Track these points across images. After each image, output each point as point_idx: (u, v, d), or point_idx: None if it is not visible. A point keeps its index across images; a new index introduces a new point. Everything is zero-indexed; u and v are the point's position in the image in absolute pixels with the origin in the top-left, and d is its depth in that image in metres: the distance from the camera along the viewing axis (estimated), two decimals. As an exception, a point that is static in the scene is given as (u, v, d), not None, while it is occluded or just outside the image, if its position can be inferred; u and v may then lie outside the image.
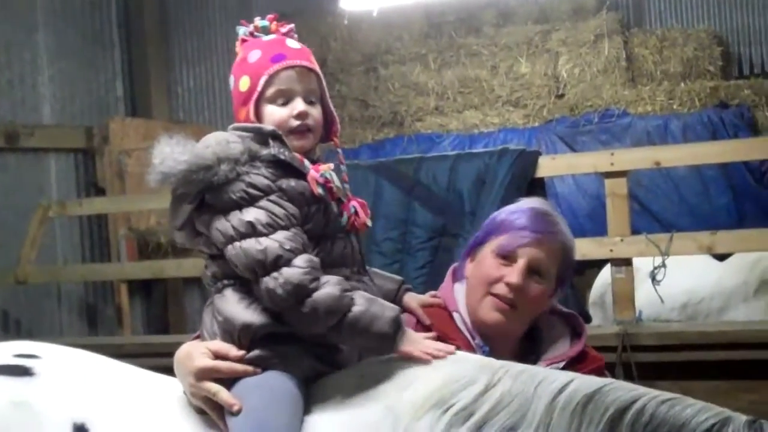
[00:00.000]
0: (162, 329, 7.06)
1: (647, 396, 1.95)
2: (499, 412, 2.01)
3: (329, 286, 2.20)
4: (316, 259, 2.24)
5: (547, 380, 2.05)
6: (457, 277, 2.76)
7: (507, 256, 2.58)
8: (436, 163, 5.28)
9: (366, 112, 8.94)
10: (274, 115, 2.35)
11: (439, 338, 2.54)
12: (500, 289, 2.57)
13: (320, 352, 2.27)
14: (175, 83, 8.35)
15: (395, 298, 2.66)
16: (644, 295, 5.21)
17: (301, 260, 2.20)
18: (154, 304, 7.21)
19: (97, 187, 7.23)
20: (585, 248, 4.59)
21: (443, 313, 2.67)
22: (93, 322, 7.11)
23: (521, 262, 2.56)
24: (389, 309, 2.25)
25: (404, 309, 2.65)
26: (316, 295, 2.18)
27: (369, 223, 2.50)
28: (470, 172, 5.09)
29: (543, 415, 1.97)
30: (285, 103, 2.35)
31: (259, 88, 2.34)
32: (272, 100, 2.35)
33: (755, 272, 5.21)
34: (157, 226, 6.96)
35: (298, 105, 2.35)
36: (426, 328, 2.60)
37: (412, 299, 2.67)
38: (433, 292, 2.76)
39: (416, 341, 2.30)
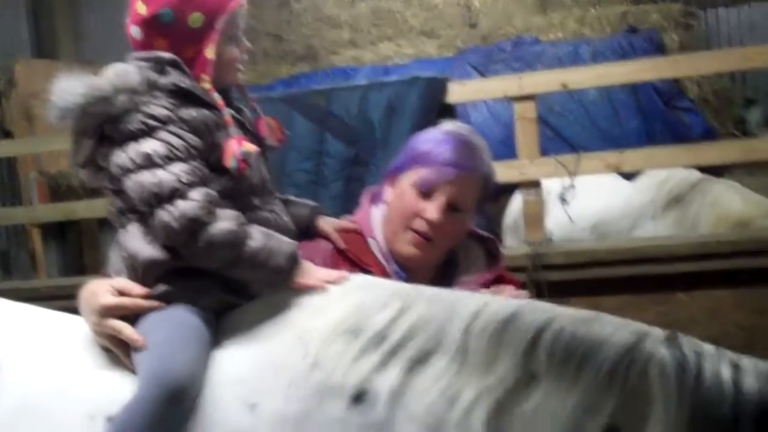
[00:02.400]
0: (78, 272, 6.98)
1: (564, 316, 1.94)
2: (413, 337, 1.98)
3: (225, 221, 2.18)
4: (213, 193, 2.21)
5: (462, 304, 2.04)
6: (374, 201, 2.76)
7: (427, 191, 2.58)
8: (347, 93, 5.27)
9: (280, 47, 8.84)
10: (233, 53, 2.37)
11: (354, 263, 2.56)
12: (418, 224, 2.56)
13: (229, 284, 2.25)
14: (83, 23, 8.15)
15: (309, 223, 2.66)
16: (556, 218, 5.31)
17: (197, 194, 2.17)
18: (70, 248, 7.11)
19: (4, 130, 7.07)
20: (498, 172, 4.66)
21: (359, 238, 2.68)
22: (7, 267, 7.01)
23: (441, 199, 2.55)
24: (286, 244, 2.25)
25: (319, 233, 2.66)
26: (211, 229, 2.16)
27: (277, 143, 2.50)
28: (381, 101, 5.10)
29: (460, 340, 1.95)
30: (234, 41, 2.37)
31: (218, 26, 2.32)
32: (227, 39, 2.35)
33: (663, 191, 5.33)
34: (68, 168, 6.83)
35: (246, 43, 2.40)
36: (341, 253, 2.62)
37: (326, 223, 2.66)
38: (349, 217, 2.76)
39: (312, 273, 2.29)
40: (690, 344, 1.84)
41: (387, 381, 1.95)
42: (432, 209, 2.53)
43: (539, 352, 1.87)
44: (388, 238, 2.64)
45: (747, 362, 1.79)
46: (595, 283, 4.34)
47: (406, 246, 2.57)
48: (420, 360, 1.95)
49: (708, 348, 1.83)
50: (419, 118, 4.84)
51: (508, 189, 5.34)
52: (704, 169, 5.45)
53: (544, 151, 4.82)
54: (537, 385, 1.85)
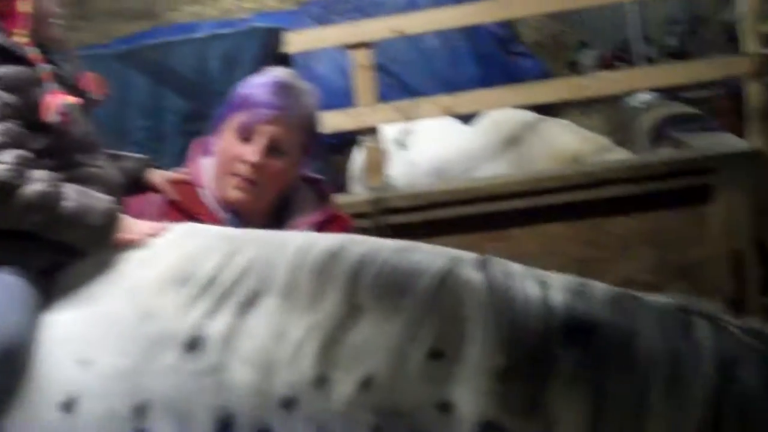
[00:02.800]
0: None
1: (384, 247, 2.00)
2: (242, 280, 2.01)
3: (37, 183, 2.14)
4: (26, 154, 2.16)
5: (289, 242, 2.07)
6: (204, 152, 2.75)
7: (246, 134, 2.59)
8: (184, 47, 5.20)
9: (117, 5, 8.60)
10: (49, 7, 2.33)
11: (186, 214, 2.56)
12: (240, 168, 2.57)
13: (60, 243, 2.22)
14: None
15: (139, 176, 2.64)
16: (399, 165, 5.40)
17: (7, 155, 2.12)
18: None
19: None
20: (334, 120, 4.69)
21: (190, 189, 2.67)
22: None
23: (260, 141, 2.56)
24: (102, 201, 2.23)
25: (149, 186, 2.64)
26: (22, 192, 2.12)
27: (100, 97, 2.47)
28: (219, 54, 5.06)
29: (287, 278, 1.98)
30: None
31: None
32: None
33: (500, 132, 5.46)
34: None
35: None
36: (173, 204, 2.61)
37: (156, 175, 2.65)
38: (181, 169, 2.75)
39: (133, 227, 2.28)
40: (500, 266, 1.93)
41: (218, 326, 1.97)
42: (252, 152, 2.55)
43: (362, 285, 1.93)
44: (216, 186, 2.65)
45: (553, 278, 1.90)
46: (436, 223, 4.44)
47: (232, 191, 2.58)
48: (249, 302, 1.98)
49: (517, 267, 1.93)
50: (258, 68, 4.81)
51: (356, 141, 5.40)
52: (540, 112, 5.64)
53: (386, 99, 4.88)
54: (363, 316, 1.91)
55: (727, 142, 4.52)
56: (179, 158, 2.93)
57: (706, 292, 1.98)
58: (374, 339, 1.87)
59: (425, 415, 1.82)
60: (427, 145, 5.45)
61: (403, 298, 1.89)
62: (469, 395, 1.80)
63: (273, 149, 2.56)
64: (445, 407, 1.81)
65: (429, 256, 1.96)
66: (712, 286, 4.17)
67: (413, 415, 1.82)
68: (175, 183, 2.65)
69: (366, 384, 1.85)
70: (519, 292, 1.85)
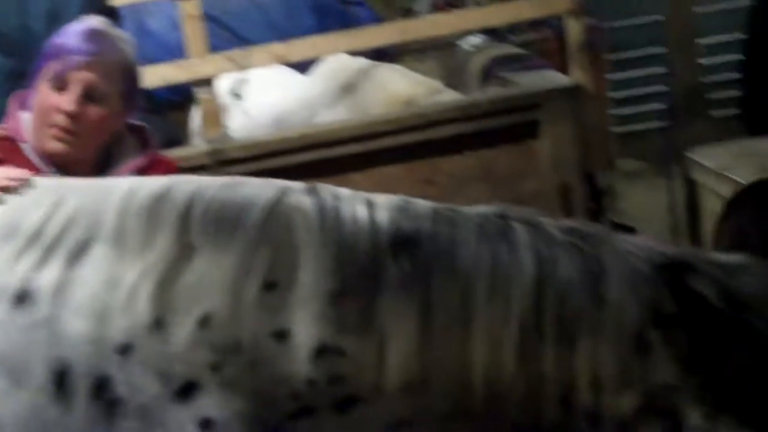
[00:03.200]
0: None
1: (212, 184, 2.01)
2: (70, 229, 1.98)
3: None
4: None
5: (115, 188, 2.05)
6: (23, 106, 2.70)
7: (61, 83, 2.54)
8: (4, 3, 5.01)
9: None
10: None
11: None
12: (57, 118, 2.54)
13: None
14: None
15: None
16: (236, 117, 5.38)
17: None
18: None
19: None
20: (165, 73, 4.66)
21: (11, 144, 2.62)
22: None
23: (75, 89, 2.54)
24: None
25: None
26: None
27: None
28: (41, 9, 4.89)
29: (115, 223, 1.97)
30: None
31: None
32: None
33: (335, 80, 5.51)
34: None
35: None
36: None
37: None
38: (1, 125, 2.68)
39: None
40: (329, 190, 1.97)
41: (47, 278, 1.95)
42: (66, 100, 2.52)
43: (192, 223, 1.93)
44: (36, 140, 2.60)
45: (379, 198, 1.95)
46: (275, 172, 4.42)
47: (51, 142, 2.55)
48: (79, 251, 1.96)
49: (345, 191, 1.98)
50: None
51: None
52: (377, 59, 5.70)
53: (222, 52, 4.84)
54: (195, 255, 1.91)
55: (551, 78, 4.69)
56: (2, 116, 2.88)
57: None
58: (209, 277, 1.88)
59: (263, 346, 1.85)
60: (264, 95, 5.44)
61: (234, 232, 1.90)
62: (303, 322, 1.84)
63: (89, 97, 2.54)
64: (282, 336, 1.85)
65: (257, 188, 1.98)
66: (543, 217, 4.32)
67: (252, 348, 1.85)
68: None
69: (203, 323, 1.86)
70: (347, 213, 1.90)
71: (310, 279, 1.86)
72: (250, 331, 1.85)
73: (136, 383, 1.86)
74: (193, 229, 1.93)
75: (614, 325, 1.74)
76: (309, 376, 1.84)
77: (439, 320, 1.82)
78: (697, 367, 1.69)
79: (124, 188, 2.04)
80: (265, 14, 7.00)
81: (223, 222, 1.92)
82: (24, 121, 2.67)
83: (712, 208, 2.74)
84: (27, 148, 2.62)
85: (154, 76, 4.52)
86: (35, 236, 2.00)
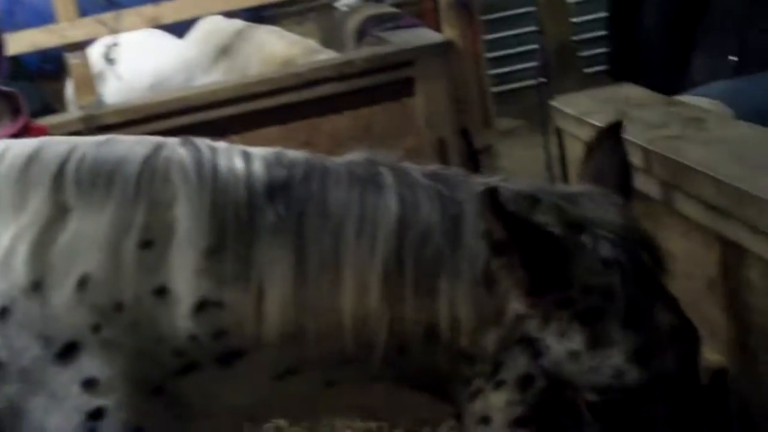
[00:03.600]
0: None
1: (84, 143, 1.97)
2: None
3: None
4: None
5: None
6: None
7: None
8: None
9: None
10: None
11: None
12: None
13: None
14: None
15: None
16: (111, 82, 5.31)
17: None
18: None
19: None
20: (36, 38, 4.56)
21: None
22: None
23: None
24: None
25: None
26: None
27: None
28: None
29: None
30: None
31: None
32: None
33: (211, 43, 5.48)
34: None
35: None
36: None
37: None
38: None
39: None
40: (205, 143, 1.96)
41: None
42: None
43: (66, 182, 1.89)
44: None
45: (256, 150, 1.97)
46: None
47: None
48: None
49: (222, 144, 1.97)
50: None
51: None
52: (257, 22, 5.70)
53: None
54: (70, 214, 1.88)
55: (423, 36, 4.76)
56: None
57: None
58: (85, 236, 1.86)
59: (144, 304, 1.84)
60: (139, 60, 5.37)
61: (110, 188, 1.87)
62: (183, 277, 1.84)
63: None
64: (162, 292, 1.84)
65: (132, 144, 1.95)
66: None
67: (133, 307, 1.84)
68: None
69: (82, 284, 1.84)
70: (224, 165, 1.90)
71: (187, 234, 1.84)
72: (130, 290, 1.83)
73: (16, 346, 1.82)
74: (67, 189, 1.88)
75: (469, 267, 1.81)
76: (191, 331, 1.84)
77: (313, 264, 1.85)
78: (541, 290, 1.77)
79: (18, 152, 1.96)
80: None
81: (97, 180, 1.89)
82: None
83: (576, 154, 2.85)
84: None
85: (23, 42, 4.42)
86: None
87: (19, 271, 1.85)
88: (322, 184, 1.90)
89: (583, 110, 2.81)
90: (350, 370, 1.96)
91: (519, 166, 7.47)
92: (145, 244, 1.85)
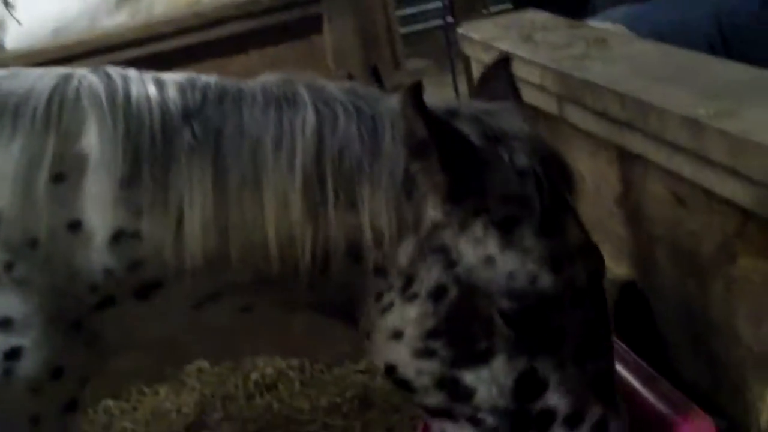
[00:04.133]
0: None
1: None
2: None
3: None
4: None
5: None
6: None
7: None
8: None
9: None
10: None
11: None
12: None
13: None
14: None
15: None
16: (13, 30, 5.16)
17: None
18: None
19: None
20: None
21: None
22: None
23: None
24: None
25: None
26: None
27: None
28: None
29: None
30: None
31: None
32: None
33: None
34: None
35: None
36: None
37: None
38: None
39: None
40: (117, 71, 1.91)
41: None
42: None
43: None
44: None
45: (168, 76, 1.92)
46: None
47: None
48: None
49: (133, 72, 1.92)
50: None
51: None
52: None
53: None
54: None
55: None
56: None
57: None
58: None
59: (57, 238, 1.79)
60: (40, 5, 5.23)
61: (18, 121, 1.81)
62: (98, 209, 1.79)
63: None
64: (76, 226, 1.80)
65: (38, 75, 1.88)
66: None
67: (47, 243, 1.79)
68: None
69: None
70: (136, 92, 1.85)
71: (101, 164, 1.79)
72: (42, 224, 1.78)
73: None
74: None
75: (389, 176, 1.81)
76: (106, 265, 1.80)
77: (233, 182, 1.82)
78: (458, 196, 1.78)
79: None
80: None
81: (3, 113, 1.82)
82: None
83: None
84: None
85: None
86: None
87: None
88: (237, 104, 1.86)
89: (488, 35, 2.84)
90: (270, 293, 1.94)
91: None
92: (57, 177, 1.79)
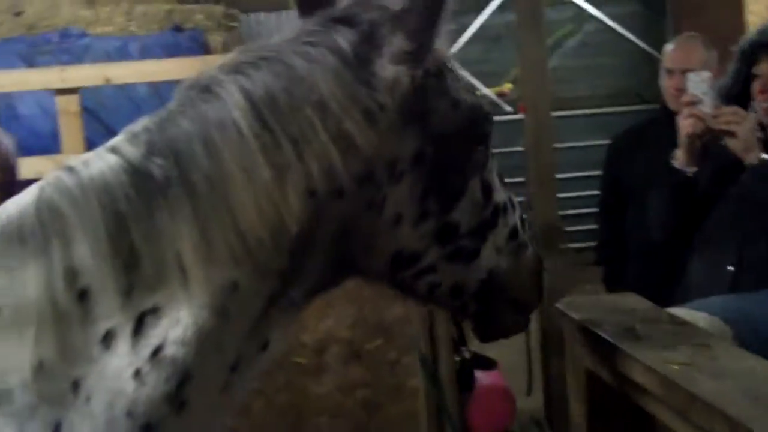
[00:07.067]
0: None
1: None
2: None
3: None
4: None
5: None
6: None
7: None
8: None
9: None
10: None
11: None
12: None
13: None
14: None
15: None
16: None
17: None
18: None
19: None
20: (38, 166, 4.56)
21: None
22: None
23: None
24: None
25: None
26: None
27: None
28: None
29: None
30: None
31: None
32: None
33: None
34: None
35: None
36: None
37: None
38: None
39: None
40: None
41: None
42: None
43: None
44: None
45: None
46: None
47: None
48: None
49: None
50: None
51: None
52: None
53: (96, 146, 4.77)
54: None
55: None
56: None
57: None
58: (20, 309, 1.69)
59: (93, 367, 1.68)
60: None
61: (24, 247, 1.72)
62: (113, 309, 1.70)
63: None
64: (107, 338, 1.70)
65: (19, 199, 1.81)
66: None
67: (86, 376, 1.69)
68: None
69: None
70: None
71: (98, 266, 1.70)
72: (81, 362, 1.68)
73: None
74: None
75: (334, 78, 1.83)
76: (135, 366, 1.68)
77: (203, 191, 1.75)
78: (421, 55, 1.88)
79: None
80: (140, 110, 6.98)
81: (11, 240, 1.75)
82: None
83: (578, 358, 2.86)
84: None
85: (29, 169, 4.42)
86: None
87: None
88: (174, 123, 1.82)
89: (587, 317, 2.83)
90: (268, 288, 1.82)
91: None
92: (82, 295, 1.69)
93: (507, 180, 2.17)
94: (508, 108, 10.84)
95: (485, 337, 2.28)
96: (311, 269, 1.84)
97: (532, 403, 5.78)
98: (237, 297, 1.74)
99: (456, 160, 1.98)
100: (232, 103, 1.79)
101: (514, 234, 2.18)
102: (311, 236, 1.80)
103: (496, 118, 1.88)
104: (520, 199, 2.37)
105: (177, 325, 1.68)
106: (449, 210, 1.98)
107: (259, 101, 1.79)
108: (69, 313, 1.67)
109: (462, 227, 2.01)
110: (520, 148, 6.88)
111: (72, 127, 4.57)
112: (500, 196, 2.14)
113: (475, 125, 2.01)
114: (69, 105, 4.58)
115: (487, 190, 2.09)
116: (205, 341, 1.70)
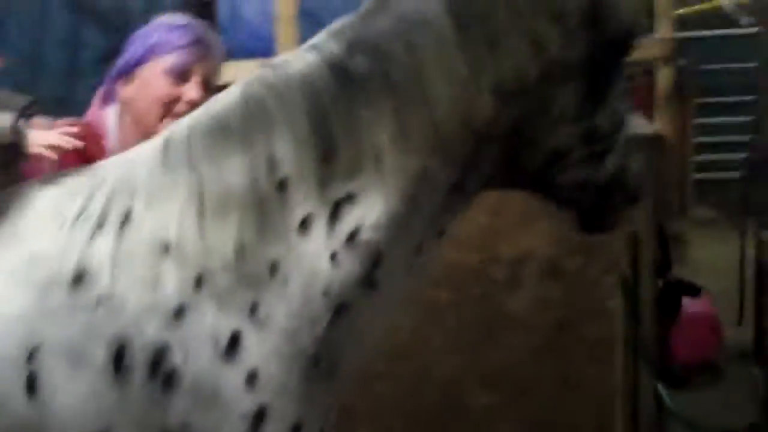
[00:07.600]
0: None
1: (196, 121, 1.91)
2: (112, 202, 1.86)
3: None
4: None
5: (137, 154, 1.97)
6: (106, 101, 2.76)
7: (182, 74, 2.63)
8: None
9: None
10: None
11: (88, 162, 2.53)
12: (181, 107, 2.62)
13: None
14: None
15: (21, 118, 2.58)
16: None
17: None
18: None
19: None
20: (255, 70, 4.68)
21: (97, 139, 2.68)
22: None
23: (197, 78, 2.64)
24: (2, 119, 2.25)
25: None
26: None
27: None
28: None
29: (147, 180, 1.85)
30: None
31: None
32: None
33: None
34: None
35: None
36: (78, 153, 2.57)
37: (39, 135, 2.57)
38: (70, 120, 2.73)
39: (41, 138, 2.40)
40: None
41: (101, 250, 1.81)
42: (191, 90, 2.61)
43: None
44: (132, 135, 2.62)
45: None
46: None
47: None
48: (124, 219, 1.82)
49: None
50: (180, 8, 4.76)
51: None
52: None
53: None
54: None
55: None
56: (92, 94, 2.91)
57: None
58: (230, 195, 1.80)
59: (291, 248, 1.79)
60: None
61: (227, 144, 1.82)
62: (311, 198, 1.81)
63: (206, 87, 2.65)
64: (304, 224, 1.80)
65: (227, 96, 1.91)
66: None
67: (282, 261, 1.78)
68: (76, 134, 2.58)
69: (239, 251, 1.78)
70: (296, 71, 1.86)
71: (297, 156, 1.78)
72: (279, 242, 1.77)
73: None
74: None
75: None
76: (332, 250, 1.78)
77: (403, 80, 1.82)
78: None
79: (155, 145, 1.92)
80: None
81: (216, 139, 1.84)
82: (108, 117, 2.73)
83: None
84: (110, 144, 2.68)
85: (244, 71, 4.52)
86: (83, 218, 1.86)
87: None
88: (373, 21, 1.88)
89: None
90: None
91: (711, 259, 7.14)
92: (281, 184, 1.77)
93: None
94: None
95: (593, 228, 2.27)
96: (486, 161, 1.90)
97: (740, 334, 5.55)
98: (426, 184, 1.81)
99: (610, 67, 1.98)
100: (430, 1, 1.85)
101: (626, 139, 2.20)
102: (493, 129, 1.86)
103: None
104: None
105: (372, 211, 1.77)
106: (596, 113, 1.98)
107: (456, 1, 1.84)
108: (269, 200, 1.75)
109: (601, 129, 2.01)
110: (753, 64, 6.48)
111: (288, 30, 4.64)
112: (622, 105, 2.14)
113: (631, 36, 2.00)
114: (286, 8, 4.65)
115: (619, 98, 2.09)
116: (396, 226, 1.79)
